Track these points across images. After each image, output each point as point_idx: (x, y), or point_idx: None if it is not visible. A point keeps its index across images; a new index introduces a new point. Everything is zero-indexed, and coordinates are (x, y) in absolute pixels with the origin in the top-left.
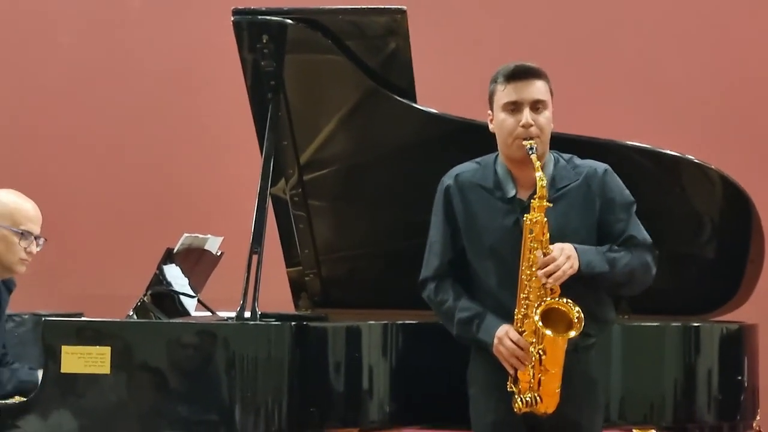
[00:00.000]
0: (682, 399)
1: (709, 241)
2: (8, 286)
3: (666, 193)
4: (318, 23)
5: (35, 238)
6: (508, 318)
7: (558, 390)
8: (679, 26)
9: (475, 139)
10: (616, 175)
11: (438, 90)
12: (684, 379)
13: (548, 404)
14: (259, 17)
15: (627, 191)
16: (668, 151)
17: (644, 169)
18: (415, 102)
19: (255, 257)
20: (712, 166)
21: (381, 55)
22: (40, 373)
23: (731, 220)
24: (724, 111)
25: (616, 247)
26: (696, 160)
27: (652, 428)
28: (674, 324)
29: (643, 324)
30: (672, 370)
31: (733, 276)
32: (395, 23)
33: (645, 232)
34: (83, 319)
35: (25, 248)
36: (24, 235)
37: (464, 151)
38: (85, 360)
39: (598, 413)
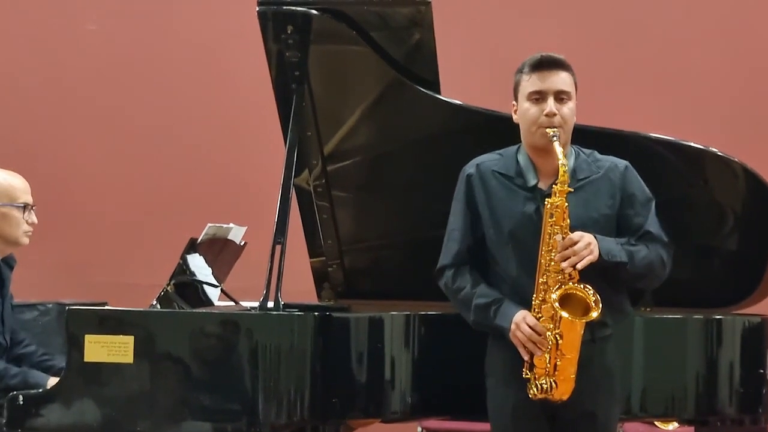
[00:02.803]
0: (703, 392)
1: (732, 233)
2: (9, 263)
3: (689, 185)
4: (343, 14)
5: (32, 207)
6: (526, 304)
7: (573, 376)
8: (702, 18)
9: (499, 130)
10: (635, 171)
11: (462, 81)
12: (706, 372)
13: (563, 390)
14: (284, 7)
15: (646, 188)
16: (691, 144)
17: (667, 161)
18: (440, 93)
19: (278, 247)
20: (736, 159)
21: (405, 47)
22: (50, 382)
23: (754, 212)
24: (748, 103)
25: (633, 241)
26: (719, 153)
27: (673, 421)
28: (696, 316)
29: (664, 316)
30: (694, 363)
31: (755, 268)
32: (420, 14)
33: (661, 230)
34: (107, 308)
35: (27, 220)
36: (24, 207)
37: (488, 143)
38: (109, 349)
39: (615, 404)
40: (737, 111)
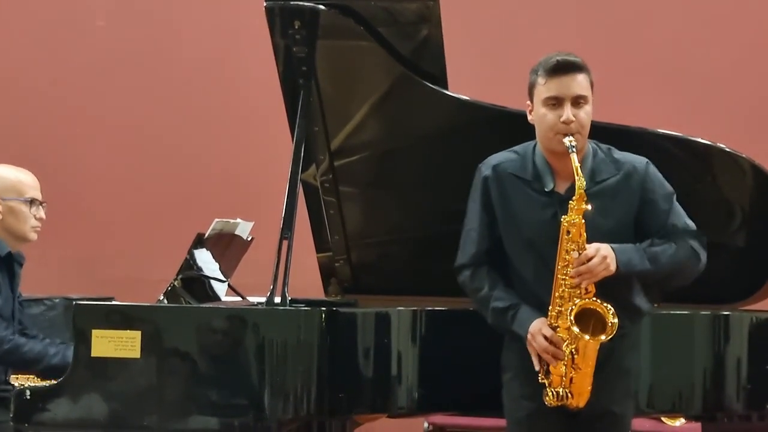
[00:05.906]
0: (711, 388)
1: (739, 229)
2: (18, 260)
3: (697, 181)
4: (350, 9)
5: (40, 203)
6: (543, 309)
7: (589, 387)
8: (709, 13)
9: (506, 126)
10: (655, 168)
11: (470, 77)
12: (713, 368)
13: (579, 401)
14: (292, 3)
15: (666, 183)
16: (699, 140)
17: (675, 157)
18: (447, 89)
19: (285, 243)
20: (743, 155)
21: (413, 42)
22: None
23: (762, 209)
24: (755, 99)
25: (657, 241)
26: (727, 149)
27: (680, 417)
28: (704, 312)
29: (672, 312)
30: (701, 359)
31: (762, 264)
32: (427, 10)
33: (688, 220)
34: (114, 303)
35: (35, 215)
36: (32, 202)
37: (496, 139)
38: (116, 344)
39: (630, 401)
40: (745, 107)
